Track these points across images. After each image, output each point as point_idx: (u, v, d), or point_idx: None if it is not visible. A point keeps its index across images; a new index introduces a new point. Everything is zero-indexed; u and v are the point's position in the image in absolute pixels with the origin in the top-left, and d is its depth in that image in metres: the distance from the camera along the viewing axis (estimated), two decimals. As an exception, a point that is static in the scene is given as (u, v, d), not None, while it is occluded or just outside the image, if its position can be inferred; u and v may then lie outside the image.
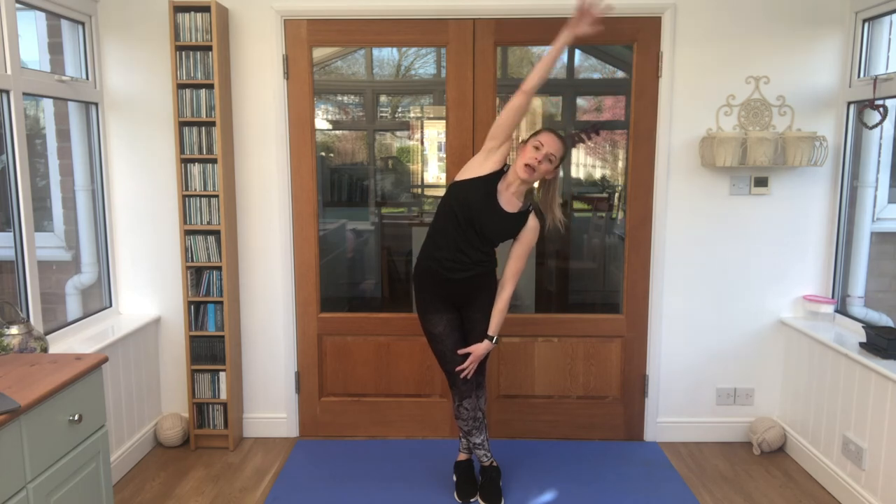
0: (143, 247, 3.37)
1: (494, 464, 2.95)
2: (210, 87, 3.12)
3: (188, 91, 3.13)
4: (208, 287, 3.25)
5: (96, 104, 3.24)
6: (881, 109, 2.95)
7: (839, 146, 3.23)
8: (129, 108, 3.28)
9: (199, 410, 3.36)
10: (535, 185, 2.72)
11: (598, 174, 4.70)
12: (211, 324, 3.28)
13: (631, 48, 3.28)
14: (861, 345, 2.86)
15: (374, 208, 4.77)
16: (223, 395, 3.33)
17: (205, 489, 2.99)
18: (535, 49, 4.25)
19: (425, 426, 3.53)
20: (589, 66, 4.49)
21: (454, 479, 3.01)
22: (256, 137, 3.31)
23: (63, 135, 3.45)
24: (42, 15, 3.33)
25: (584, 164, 4.69)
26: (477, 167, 2.65)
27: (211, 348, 3.30)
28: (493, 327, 2.73)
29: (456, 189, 2.66)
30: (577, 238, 4.57)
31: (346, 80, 4.59)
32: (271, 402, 3.51)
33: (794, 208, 3.31)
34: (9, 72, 2.58)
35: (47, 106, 3.52)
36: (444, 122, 3.36)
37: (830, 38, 3.19)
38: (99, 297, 3.39)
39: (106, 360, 2.22)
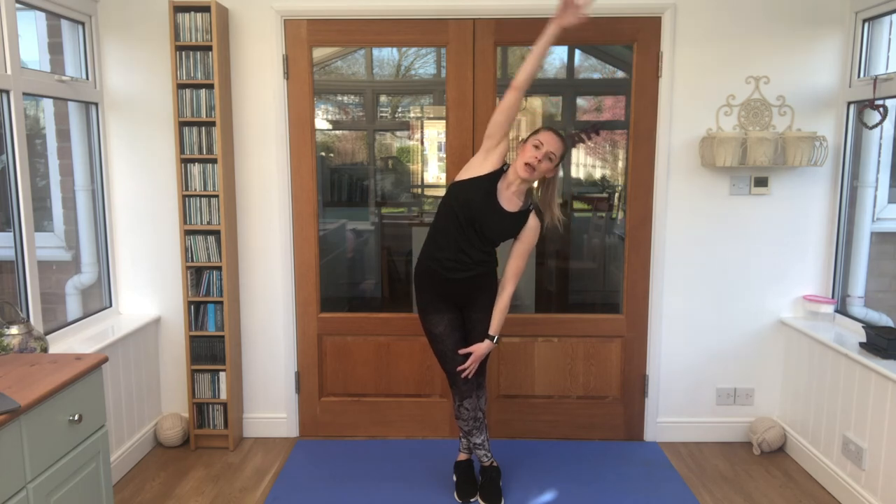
0: (143, 247, 3.37)
1: (494, 464, 2.95)
2: (210, 87, 3.12)
3: (188, 91, 3.13)
4: (208, 287, 3.25)
5: (96, 104, 3.24)
6: (881, 109, 2.95)
7: (839, 146, 3.23)
8: (129, 108, 3.28)
9: (199, 410, 3.36)
10: (535, 183, 2.72)
11: (598, 174, 4.70)
12: (211, 324, 3.28)
13: (631, 48, 3.28)
14: (861, 345, 2.86)
15: (374, 208, 4.77)
16: (223, 395, 3.33)
17: (205, 489, 2.99)
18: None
19: (425, 426, 3.53)
20: (589, 66, 4.49)
21: (454, 479, 3.01)
22: (256, 137, 3.31)
23: (63, 135, 3.45)
24: (42, 15, 3.33)
25: (584, 164, 4.69)
26: (477, 167, 2.65)
27: (211, 348, 3.30)
28: (494, 327, 2.73)
29: (456, 189, 2.66)
30: (577, 238, 4.56)
31: (346, 80, 4.59)
32: (271, 402, 3.51)
33: (794, 208, 3.31)
34: (9, 72, 2.58)
35: (47, 106, 3.52)
36: (444, 122, 3.36)
37: (830, 38, 3.19)
38: (99, 297, 3.39)
39: (106, 360, 2.22)
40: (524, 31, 3.25)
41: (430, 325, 2.75)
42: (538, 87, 4.51)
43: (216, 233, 3.22)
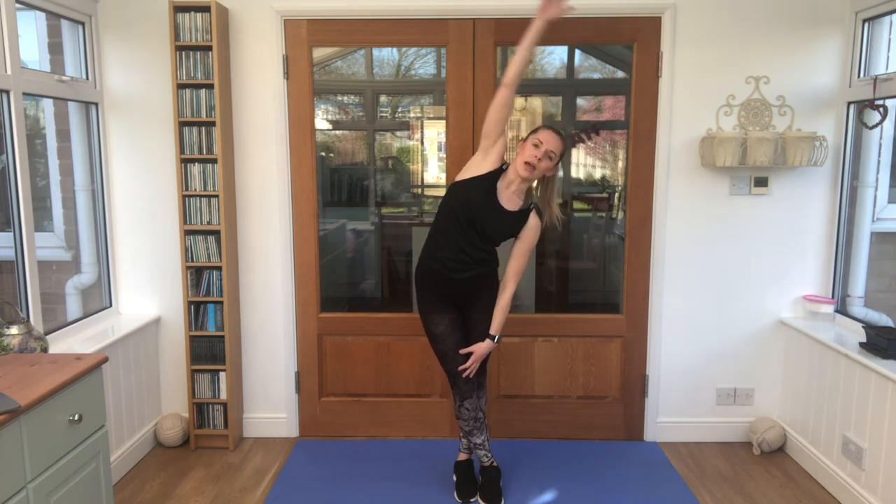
0: (143, 247, 3.37)
1: (495, 464, 2.95)
2: (210, 87, 3.12)
3: (188, 91, 3.13)
4: (208, 287, 3.25)
5: (96, 104, 3.24)
6: (881, 109, 2.95)
7: (839, 146, 3.23)
8: (129, 108, 3.28)
9: (199, 410, 3.36)
10: (534, 182, 2.72)
11: (598, 174, 4.70)
12: (211, 324, 3.28)
13: (631, 48, 3.28)
14: (861, 345, 2.86)
15: (374, 208, 4.77)
16: (223, 395, 3.33)
17: (205, 489, 2.99)
18: (535, 49, 4.24)
19: (425, 426, 3.53)
20: (589, 66, 4.49)
21: (454, 479, 3.01)
22: (256, 137, 3.31)
23: (63, 135, 3.45)
24: (42, 15, 3.33)
25: (584, 164, 4.69)
26: (476, 167, 2.65)
27: (211, 348, 3.30)
28: (495, 326, 2.73)
29: (456, 189, 2.66)
30: (577, 238, 4.56)
31: (346, 80, 4.59)
32: (271, 402, 3.51)
33: (794, 208, 3.31)
34: (9, 72, 2.58)
35: (47, 106, 3.52)
36: (444, 122, 3.36)
37: (830, 38, 3.19)
38: (99, 297, 3.39)
39: (106, 360, 2.22)
40: (524, 31, 3.23)
41: (431, 324, 2.75)
42: (538, 87, 4.51)
43: (216, 233, 3.22)
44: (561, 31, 3.25)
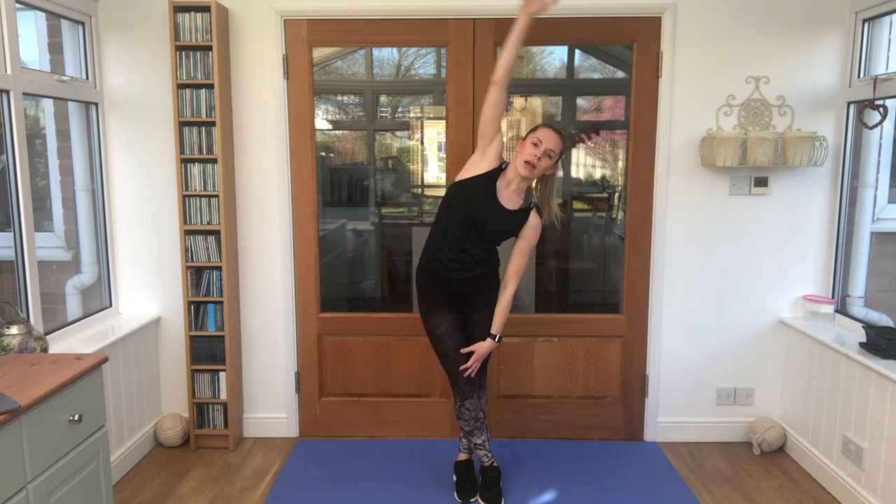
0: (143, 247, 3.37)
1: (495, 464, 2.95)
2: (210, 87, 3.12)
3: (188, 91, 3.13)
4: (208, 287, 3.25)
5: (96, 104, 3.24)
6: (881, 109, 2.95)
7: (839, 146, 3.23)
8: (129, 108, 3.28)
9: (199, 410, 3.36)
10: (534, 181, 2.72)
11: (598, 174, 4.70)
12: (211, 324, 3.28)
13: (631, 48, 3.28)
14: (861, 345, 2.86)
15: (374, 208, 4.77)
16: (223, 395, 3.33)
17: (205, 489, 2.99)
18: (535, 49, 4.25)
19: (425, 426, 3.53)
20: (589, 66, 4.50)
21: (454, 479, 3.01)
22: (256, 137, 3.31)
23: (63, 135, 3.45)
24: (42, 15, 3.33)
25: (584, 164, 4.69)
26: (474, 167, 2.66)
27: (211, 348, 3.30)
28: (496, 326, 2.73)
29: (456, 189, 2.66)
30: (577, 238, 4.57)
31: (346, 80, 4.59)
32: (271, 402, 3.51)
33: (794, 208, 3.31)
34: (9, 72, 2.58)
35: (47, 106, 3.52)
36: (444, 122, 3.36)
37: (830, 38, 3.19)
38: (99, 297, 3.39)
39: (106, 360, 2.22)
40: (524, 31, 3.24)
41: (432, 325, 2.75)
42: (538, 87, 4.51)
43: (216, 233, 3.22)
44: (561, 31, 3.27)
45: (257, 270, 3.41)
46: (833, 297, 3.31)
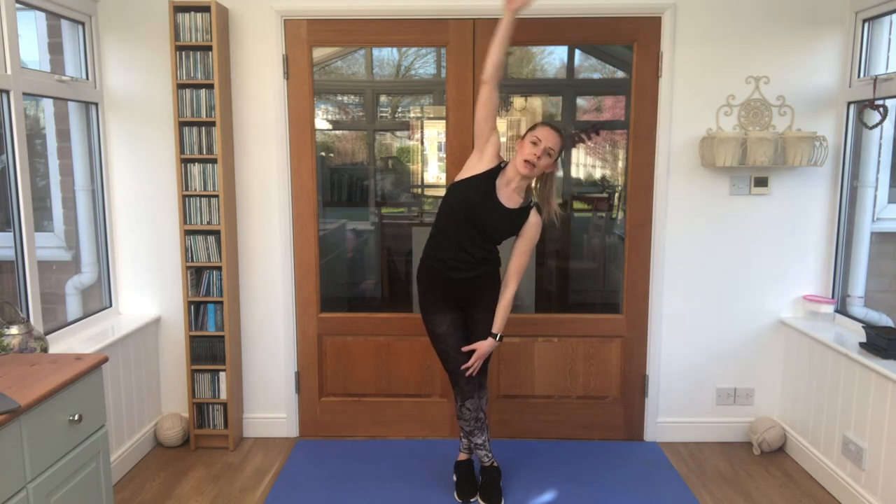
0: (143, 247, 3.37)
1: (495, 464, 2.95)
2: (210, 87, 3.12)
3: (188, 91, 3.13)
4: (208, 287, 3.25)
5: (96, 104, 3.24)
6: (881, 109, 2.95)
7: (839, 146, 3.23)
8: (129, 108, 3.28)
9: (199, 410, 3.36)
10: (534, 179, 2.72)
11: (598, 174, 4.70)
12: (211, 324, 3.28)
13: (631, 48, 3.28)
14: (861, 345, 2.86)
15: (374, 208, 4.77)
16: (223, 395, 3.33)
17: (205, 489, 2.99)
18: (535, 49, 4.25)
19: (425, 426, 3.53)
20: (589, 66, 4.50)
21: (454, 479, 3.01)
22: (256, 137, 3.31)
23: (63, 135, 3.45)
24: (42, 15, 3.33)
25: (584, 164, 4.69)
26: (473, 167, 2.66)
27: (211, 348, 3.30)
28: (497, 325, 2.73)
29: (455, 189, 2.67)
30: (577, 238, 4.57)
31: (346, 80, 4.59)
32: (271, 402, 3.51)
33: (794, 208, 3.31)
34: (9, 72, 2.58)
35: (47, 106, 3.52)
36: (444, 122, 3.36)
37: (830, 38, 3.19)
38: (99, 297, 3.39)
39: (106, 360, 2.22)
40: (524, 31, 3.24)
41: (433, 325, 2.75)
42: (538, 87, 4.51)
43: (216, 233, 3.22)
44: (561, 31, 3.27)
45: (257, 270, 3.41)
46: (833, 297, 3.31)
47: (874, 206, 3.38)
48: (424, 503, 2.87)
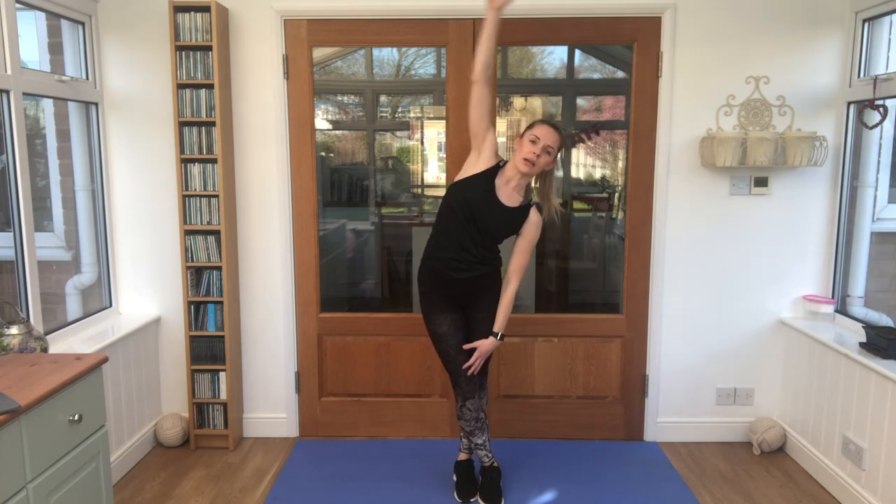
0: (143, 247, 3.37)
1: (495, 464, 2.95)
2: (210, 87, 3.12)
3: (188, 91, 3.13)
4: (208, 287, 3.25)
5: (96, 104, 3.24)
6: (881, 109, 2.95)
7: (839, 146, 3.23)
8: (129, 108, 3.28)
9: (199, 410, 3.36)
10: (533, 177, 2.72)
11: (598, 174, 4.70)
12: (211, 324, 3.28)
13: (631, 48, 3.28)
14: (861, 345, 2.86)
15: (374, 208, 4.78)
16: (223, 395, 3.33)
17: (205, 489, 2.99)
18: (535, 49, 4.25)
19: (425, 426, 3.53)
20: (589, 66, 4.50)
21: (454, 478, 3.01)
22: (256, 137, 3.31)
23: (63, 135, 3.45)
24: (42, 15, 3.33)
25: (584, 164, 4.69)
26: (471, 167, 2.67)
27: (211, 348, 3.30)
28: (499, 323, 2.73)
29: (455, 189, 2.67)
30: (577, 238, 4.57)
31: (346, 80, 4.59)
32: (271, 402, 3.51)
33: (794, 208, 3.31)
34: (9, 72, 2.58)
35: (47, 106, 3.52)
36: (444, 122, 3.36)
37: (830, 38, 3.19)
38: (99, 297, 3.39)
39: (106, 360, 2.22)
40: (524, 31, 3.25)
41: (434, 324, 2.75)
42: (538, 87, 4.52)
43: (216, 233, 3.22)
44: (561, 31, 3.27)
45: (257, 270, 3.41)
46: (833, 297, 3.31)
47: (874, 206, 3.38)
48: (424, 503, 2.87)
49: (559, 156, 2.67)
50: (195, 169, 3.18)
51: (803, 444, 3.22)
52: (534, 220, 2.68)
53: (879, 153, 3.29)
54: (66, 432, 2.00)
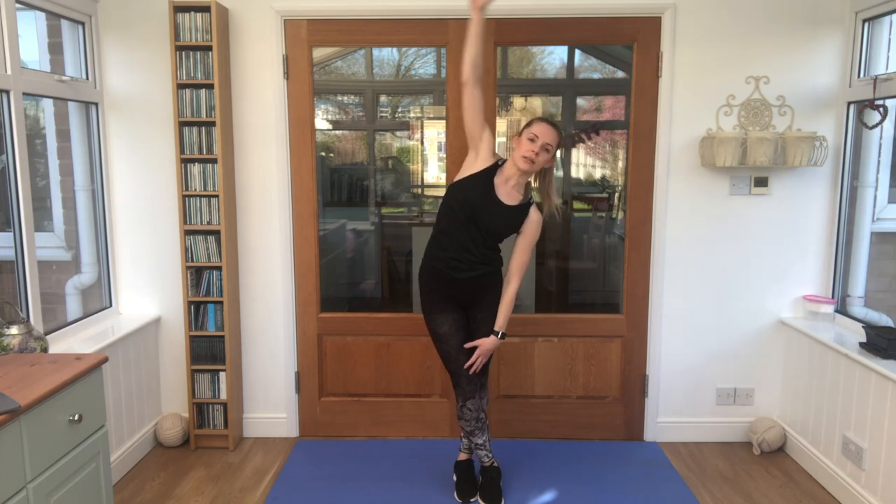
0: (143, 247, 3.37)
1: (495, 464, 2.95)
2: (210, 87, 3.12)
3: (188, 91, 3.13)
4: (208, 287, 3.25)
5: (96, 104, 3.24)
6: (881, 109, 2.95)
7: (839, 146, 3.23)
8: (129, 108, 3.28)
9: (199, 410, 3.36)
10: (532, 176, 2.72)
11: (598, 174, 4.70)
12: (211, 324, 3.28)
13: (631, 48, 3.28)
14: (861, 345, 2.86)
15: (374, 208, 4.78)
16: (223, 395, 3.33)
17: (205, 489, 2.99)
18: (535, 49, 4.25)
19: (425, 426, 3.53)
20: (589, 66, 4.50)
21: (454, 478, 3.01)
22: (256, 137, 3.31)
23: (63, 135, 3.45)
24: (42, 15, 3.33)
25: (584, 164, 4.69)
26: (470, 167, 2.67)
27: (211, 348, 3.30)
28: (500, 322, 2.73)
29: (454, 189, 2.67)
30: (577, 238, 4.57)
31: (346, 80, 4.59)
32: (271, 402, 3.51)
33: (794, 208, 3.31)
34: (9, 72, 2.58)
35: (47, 106, 3.52)
36: (444, 122, 3.36)
37: (830, 38, 3.19)
38: (99, 297, 3.39)
39: (106, 360, 2.22)
40: (524, 31, 3.25)
41: (435, 324, 2.75)
42: (538, 87, 4.52)
43: (216, 233, 3.22)
44: (561, 31, 3.27)
45: (257, 270, 3.41)
46: (833, 297, 3.31)
47: (874, 206, 3.38)
48: (424, 503, 2.87)
49: (559, 155, 2.67)
50: (195, 169, 3.18)
51: (803, 444, 3.22)
52: (534, 218, 2.68)
53: (879, 153, 3.29)
54: (66, 432, 2.00)
